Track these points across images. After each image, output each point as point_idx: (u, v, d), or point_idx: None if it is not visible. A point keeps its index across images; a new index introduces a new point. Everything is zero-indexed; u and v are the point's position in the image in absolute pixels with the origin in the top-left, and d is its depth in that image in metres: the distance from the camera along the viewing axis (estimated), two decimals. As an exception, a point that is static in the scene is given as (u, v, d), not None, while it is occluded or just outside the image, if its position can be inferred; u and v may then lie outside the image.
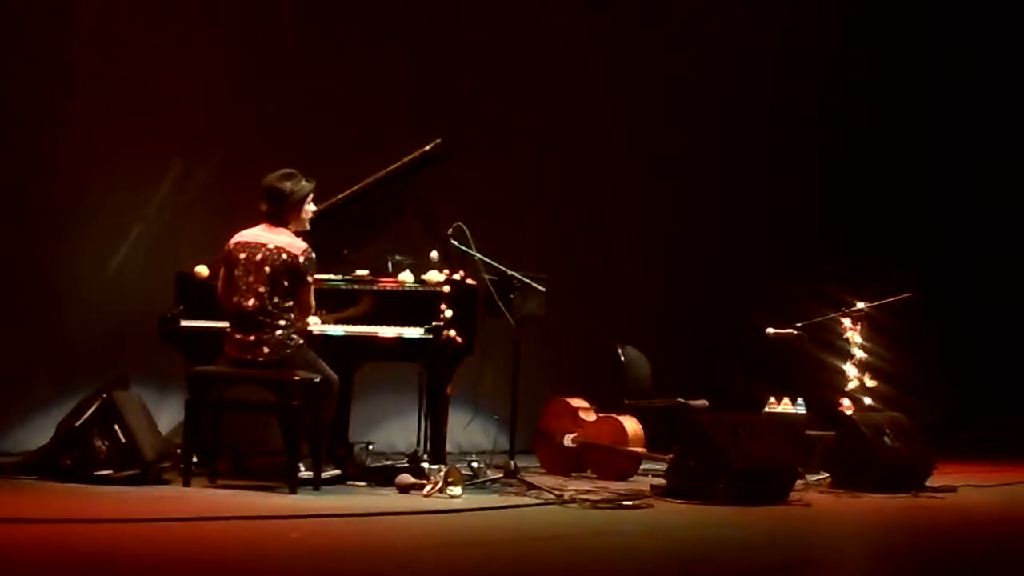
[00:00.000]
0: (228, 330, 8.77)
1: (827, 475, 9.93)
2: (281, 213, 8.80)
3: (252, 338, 8.65)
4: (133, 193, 10.81)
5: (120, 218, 10.76)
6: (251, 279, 8.66)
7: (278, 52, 11.33)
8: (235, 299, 8.70)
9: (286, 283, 8.67)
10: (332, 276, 9.31)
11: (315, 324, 9.01)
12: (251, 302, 8.65)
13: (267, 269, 8.65)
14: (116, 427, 8.76)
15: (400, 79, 11.89)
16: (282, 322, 8.67)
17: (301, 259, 8.69)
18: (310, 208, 8.94)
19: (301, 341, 8.75)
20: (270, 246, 8.71)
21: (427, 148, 9.50)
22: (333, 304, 9.22)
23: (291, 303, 8.72)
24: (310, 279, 8.75)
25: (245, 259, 8.70)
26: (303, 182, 8.85)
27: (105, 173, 10.64)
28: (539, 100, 12.67)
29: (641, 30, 13.27)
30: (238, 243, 8.78)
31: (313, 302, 8.85)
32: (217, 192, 10.93)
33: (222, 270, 8.85)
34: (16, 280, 10.29)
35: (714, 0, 13.70)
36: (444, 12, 12.20)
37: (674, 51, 13.39)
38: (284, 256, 8.67)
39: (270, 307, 8.63)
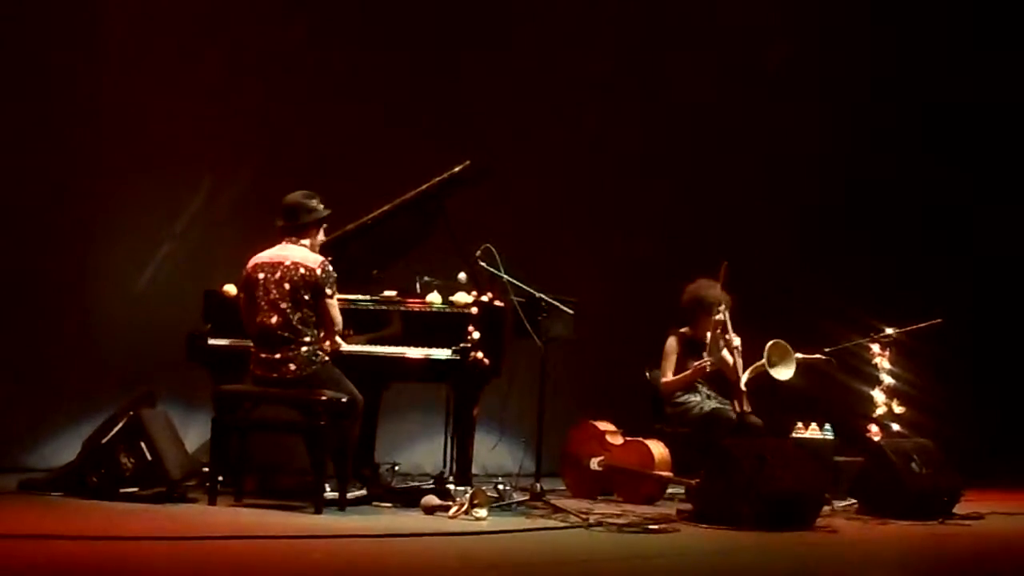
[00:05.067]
0: (253, 349, 8.78)
1: (854, 501, 9.90)
2: (302, 228, 8.83)
3: (278, 356, 8.66)
4: (161, 212, 10.87)
5: (148, 236, 10.83)
6: (273, 296, 8.68)
7: (307, 73, 11.38)
8: (259, 319, 8.71)
9: (307, 297, 8.67)
10: (360, 296, 9.32)
11: (342, 344, 9.00)
12: (275, 319, 8.66)
13: (286, 285, 8.67)
14: (142, 445, 8.77)
15: (431, 100, 11.90)
16: (307, 339, 8.68)
17: (318, 271, 8.70)
18: (321, 236, 8.97)
19: (327, 358, 8.75)
20: (287, 263, 8.73)
21: (456, 170, 9.51)
22: (361, 324, 9.22)
23: (315, 318, 8.73)
24: (329, 291, 8.74)
25: (264, 279, 8.72)
26: (322, 204, 8.90)
27: (133, 192, 10.71)
28: (569, 121, 12.67)
29: (678, 52, 13.26)
30: (255, 265, 8.81)
31: (338, 317, 8.84)
32: (245, 211, 10.96)
33: (242, 295, 8.87)
34: (44, 297, 10.34)
35: (748, 26, 13.66)
36: (476, 33, 12.22)
37: (712, 77, 13.36)
38: (301, 270, 8.69)
39: (295, 323, 8.64)
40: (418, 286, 9.55)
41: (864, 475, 9.92)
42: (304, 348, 8.67)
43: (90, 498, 8.65)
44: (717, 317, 10.41)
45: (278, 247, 8.84)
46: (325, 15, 11.54)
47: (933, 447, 10.08)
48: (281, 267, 8.72)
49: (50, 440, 10.16)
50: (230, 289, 9.42)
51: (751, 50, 13.59)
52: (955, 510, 9.81)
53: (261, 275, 8.74)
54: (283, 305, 8.66)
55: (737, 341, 10.39)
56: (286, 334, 8.65)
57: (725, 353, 10.17)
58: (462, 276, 9.41)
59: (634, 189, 13.01)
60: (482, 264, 9.42)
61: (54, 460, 9.65)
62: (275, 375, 8.67)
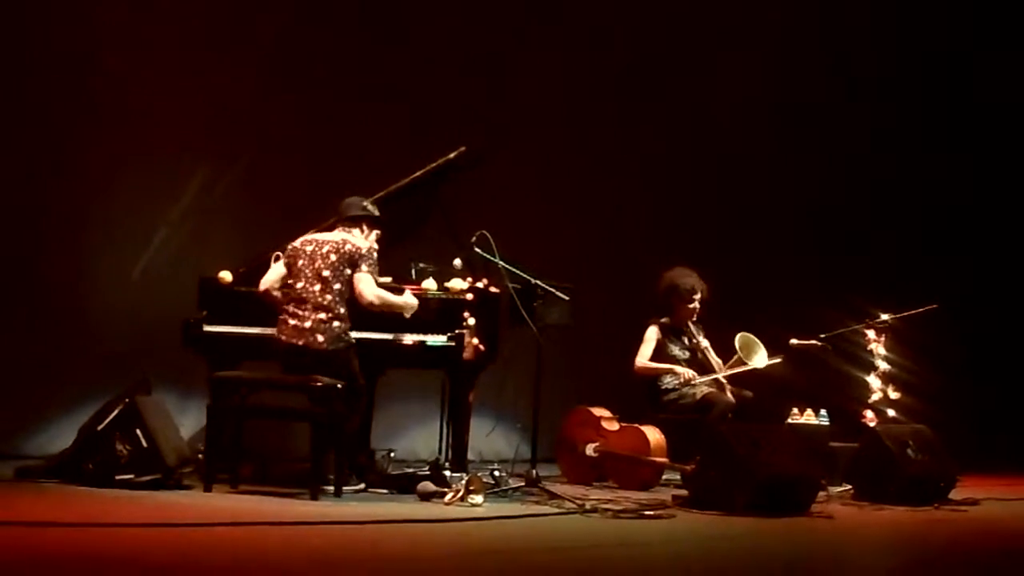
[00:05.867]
0: (281, 316, 8.81)
1: (850, 487, 9.90)
2: (351, 219, 9.02)
3: (308, 324, 8.72)
4: (158, 198, 10.86)
5: (144, 223, 10.81)
6: (318, 265, 8.80)
7: (303, 61, 11.36)
8: (300, 284, 8.78)
9: (348, 271, 8.80)
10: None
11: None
12: (317, 287, 8.76)
13: (333, 256, 8.81)
14: (138, 432, 8.77)
15: (427, 86, 11.88)
16: (342, 310, 8.76)
17: (364, 249, 8.86)
18: (374, 242, 9.05)
19: (353, 342, 8.82)
20: (336, 239, 8.90)
21: (451, 156, 9.52)
22: (356, 310, 9.21)
23: (351, 297, 8.82)
24: (365, 268, 8.80)
25: (312, 251, 8.87)
26: (377, 211, 9.09)
27: (129, 179, 10.70)
28: (567, 108, 12.66)
29: (678, 50, 13.23)
30: (305, 240, 8.99)
31: (366, 291, 8.79)
32: (241, 198, 10.97)
33: (282, 264, 8.94)
34: (40, 285, 10.34)
35: (748, 24, 13.64)
36: (473, 20, 12.19)
37: (712, 72, 13.35)
38: (348, 246, 8.85)
39: (334, 293, 8.74)
40: (413, 272, 9.55)
41: (860, 461, 9.93)
42: (336, 323, 8.74)
43: (86, 485, 8.65)
44: (691, 306, 10.58)
45: (334, 231, 9.01)
46: (321, 5, 11.52)
47: (929, 433, 10.09)
48: (329, 242, 8.90)
49: (46, 427, 10.16)
50: (225, 276, 9.43)
51: (751, 49, 13.56)
52: (950, 496, 9.81)
53: (310, 247, 8.90)
54: (326, 274, 8.77)
55: (706, 343, 10.61)
56: (325, 301, 8.72)
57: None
58: (457, 262, 9.42)
59: (631, 176, 13.00)
60: (477, 250, 9.42)
61: (50, 447, 9.65)
62: (301, 343, 8.71)
